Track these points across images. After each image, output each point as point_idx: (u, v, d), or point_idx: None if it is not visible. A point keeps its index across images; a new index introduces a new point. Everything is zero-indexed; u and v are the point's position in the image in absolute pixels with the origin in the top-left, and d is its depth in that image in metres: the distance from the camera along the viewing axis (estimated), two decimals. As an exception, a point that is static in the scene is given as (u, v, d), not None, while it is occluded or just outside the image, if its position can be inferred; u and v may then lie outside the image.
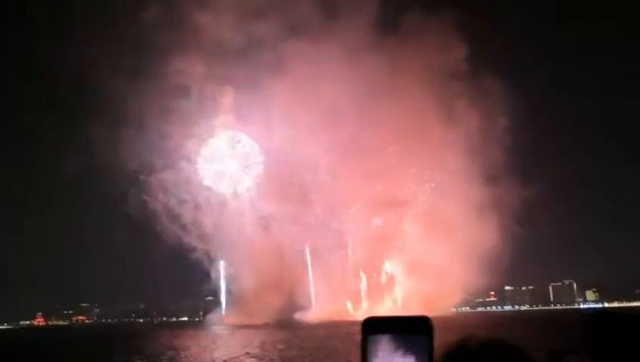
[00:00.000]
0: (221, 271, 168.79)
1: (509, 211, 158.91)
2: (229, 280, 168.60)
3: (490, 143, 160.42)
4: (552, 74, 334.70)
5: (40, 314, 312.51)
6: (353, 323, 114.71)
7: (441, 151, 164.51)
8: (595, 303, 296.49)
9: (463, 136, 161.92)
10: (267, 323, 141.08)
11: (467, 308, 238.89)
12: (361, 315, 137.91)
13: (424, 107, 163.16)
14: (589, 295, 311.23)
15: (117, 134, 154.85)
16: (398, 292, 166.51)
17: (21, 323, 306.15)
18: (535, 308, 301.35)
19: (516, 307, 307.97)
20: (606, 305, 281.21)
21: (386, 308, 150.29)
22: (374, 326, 0.92)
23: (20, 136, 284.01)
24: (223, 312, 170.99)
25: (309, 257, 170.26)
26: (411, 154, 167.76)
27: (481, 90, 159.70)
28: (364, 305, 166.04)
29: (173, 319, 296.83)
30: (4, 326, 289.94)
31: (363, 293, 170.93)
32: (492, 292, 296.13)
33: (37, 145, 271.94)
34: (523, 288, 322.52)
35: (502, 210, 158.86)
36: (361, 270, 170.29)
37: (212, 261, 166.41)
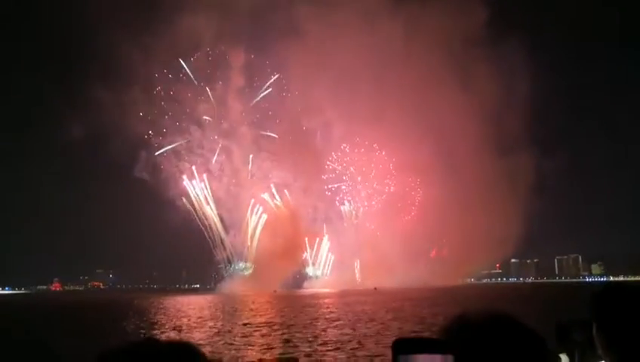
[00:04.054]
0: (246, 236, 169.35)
1: (523, 183, 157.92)
2: (240, 248, 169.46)
3: (509, 112, 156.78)
4: (580, 39, 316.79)
5: (56, 279, 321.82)
6: (359, 292, 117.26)
7: (458, 119, 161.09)
8: (601, 276, 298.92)
9: (481, 104, 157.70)
10: (275, 291, 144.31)
11: (472, 280, 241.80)
12: (369, 285, 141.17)
13: (441, 74, 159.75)
14: (595, 268, 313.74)
15: (124, 95, 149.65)
16: (406, 262, 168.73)
17: (38, 287, 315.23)
18: (540, 280, 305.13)
19: (521, 279, 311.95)
20: (612, 278, 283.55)
21: (395, 279, 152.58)
22: (404, 347, 0.99)
23: (22, 97, 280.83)
24: (235, 280, 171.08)
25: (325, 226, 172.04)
26: (427, 122, 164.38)
27: (501, 56, 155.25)
28: (372, 275, 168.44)
29: (186, 286, 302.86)
30: (22, 291, 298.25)
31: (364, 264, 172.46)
32: (497, 265, 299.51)
33: (41, 107, 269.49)
34: (528, 261, 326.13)
35: (516, 182, 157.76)
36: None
37: (225, 228, 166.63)
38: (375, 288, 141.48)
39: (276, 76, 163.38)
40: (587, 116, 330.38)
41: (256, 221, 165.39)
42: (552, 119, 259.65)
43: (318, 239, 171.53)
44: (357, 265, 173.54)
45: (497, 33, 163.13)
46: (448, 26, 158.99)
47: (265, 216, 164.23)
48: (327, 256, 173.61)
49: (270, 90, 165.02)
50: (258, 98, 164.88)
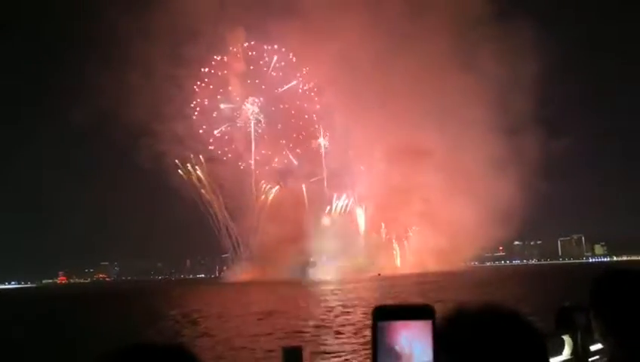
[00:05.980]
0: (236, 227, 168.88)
1: (528, 165, 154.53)
2: (245, 236, 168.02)
3: (516, 93, 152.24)
4: (592, 17, 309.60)
5: (62, 272, 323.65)
6: (364, 279, 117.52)
7: (462, 100, 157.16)
8: (604, 257, 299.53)
9: (486, 84, 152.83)
10: (281, 279, 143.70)
11: (475, 263, 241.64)
12: (374, 271, 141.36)
13: (445, 53, 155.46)
14: (598, 249, 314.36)
15: (123, 82, 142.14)
16: (410, 247, 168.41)
17: (44, 281, 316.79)
18: (543, 262, 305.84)
19: (524, 261, 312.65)
20: (614, 258, 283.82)
21: (397, 264, 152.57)
22: (384, 314, 1.03)
23: (22, 85, 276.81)
24: (238, 269, 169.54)
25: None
26: (431, 103, 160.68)
27: (508, 35, 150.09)
28: (377, 260, 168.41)
29: (190, 276, 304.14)
30: (28, 285, 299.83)
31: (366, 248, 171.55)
32: (501, 247, 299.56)
33: (40, 97, 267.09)
34: (532, 243, 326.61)
35: (522, 164, 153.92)
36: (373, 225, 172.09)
37: (230, 215, 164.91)
38: (379, 274, 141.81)
39: (276, 59, 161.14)
40: (594, 96, 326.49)
41: (260, 208, 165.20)
42: (559, 99, 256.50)
43: (333, 202, 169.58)
44: (361, 251, 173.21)
45: (506, 9, 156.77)
46: (454, 3, 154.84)
47: (269, 203, 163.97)
48: (342, 206, 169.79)
49: (274, 74, 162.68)
50: (278, 90, 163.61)
